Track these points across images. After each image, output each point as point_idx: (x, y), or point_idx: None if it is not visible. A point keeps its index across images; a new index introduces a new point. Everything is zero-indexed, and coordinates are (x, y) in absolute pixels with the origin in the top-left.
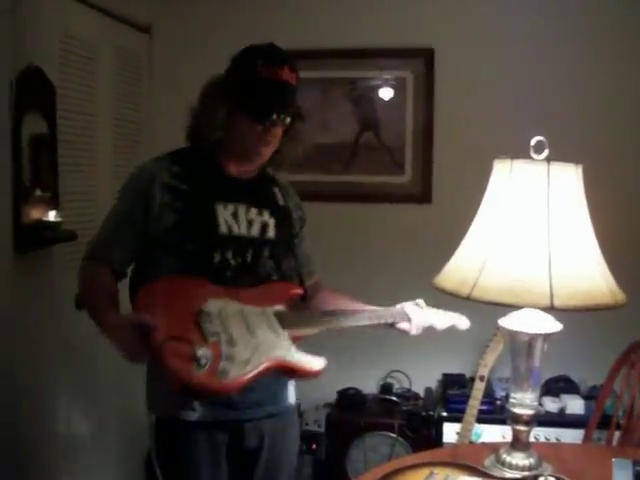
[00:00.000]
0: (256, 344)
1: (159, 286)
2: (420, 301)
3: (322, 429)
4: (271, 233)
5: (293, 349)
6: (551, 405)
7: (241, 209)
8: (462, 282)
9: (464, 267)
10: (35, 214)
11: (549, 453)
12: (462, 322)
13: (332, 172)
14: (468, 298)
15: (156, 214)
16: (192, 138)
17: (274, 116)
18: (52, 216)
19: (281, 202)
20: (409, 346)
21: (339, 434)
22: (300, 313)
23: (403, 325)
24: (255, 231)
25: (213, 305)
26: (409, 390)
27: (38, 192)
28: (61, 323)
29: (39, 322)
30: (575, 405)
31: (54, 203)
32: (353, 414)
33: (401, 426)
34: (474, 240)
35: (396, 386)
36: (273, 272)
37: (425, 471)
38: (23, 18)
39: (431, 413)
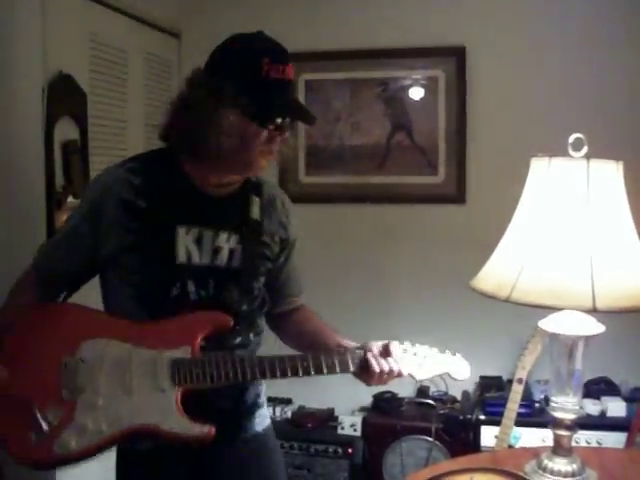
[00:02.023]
0: (123, 408)
1: (42, 315)
2: (406, 344)
3: (358, 433)
4: (237, 262)
5: (174, 414)
6: (592, 408)
7: (207, 234)
8: (501, 284)
9: (502, 268)
10: None
11: (592, 458)
12: (459, 371)
13: (364, 173)
14: (507, 300)
15: (105, 233)
16: (165, 140)
17: (282, 119)
18: None
19: (255, 216)
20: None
21: (375, 438)
22: (206, 360)
23: (361, 377)
24: (221, 260)
25: (91, 349)
26: (446, 393)
27: (70, 199)
28: None
29: None
30: (616, 407)
31: None
32: (389, 418)
33: (438, 430)
34: (512, 240)
35: (432, 389)
36: (243, 302)
37: (465, 477)
38: (53, 26)
39: (469, 416)
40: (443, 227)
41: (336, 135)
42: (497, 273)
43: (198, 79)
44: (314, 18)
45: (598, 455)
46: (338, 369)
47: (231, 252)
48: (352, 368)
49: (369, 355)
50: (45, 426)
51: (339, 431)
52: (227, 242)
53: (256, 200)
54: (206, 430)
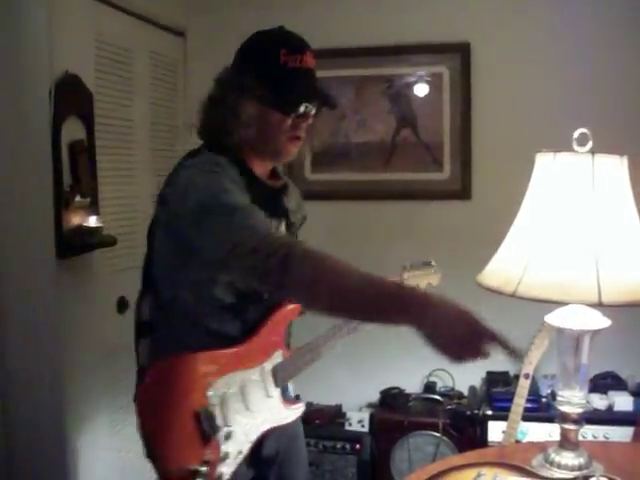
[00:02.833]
0: (250, 425)
1: (157, 384)
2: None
3: (366, 429)
4: None
5: (280, 409)
6: (598, 402)
7: (274, 224)
8: (507, 279)
9: (508, 264)
10: (75, 220)
11: (599, 452)
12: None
13: (370, 170)
14: (513, 295)
15: None
16: (215, 137)
17: (304, 106)
18: (92, 221)
19: (286, 205)
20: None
21: (383, 434)
22: (292, 359)
23: None
24: None
25: (215, 391)
26: (453, 389)
27: (78, 198)
28: (103, 326)
29: (81, 326)
30: (623, 402)
31: (94, 208)
32: (397, 414)
33: (445, 425)
34: (517, 236)
35: (439, 385)
36: None
37: (472, 472)
38: (58, 26)
39: (476, 412)
40: (449, 223)
41: (342, 132)
42: (503, 268)
43: (222, 77)
44: (319, 16)
45: (605, 449)
46: None
47: None
48: None
49: None
50: (204, 470)
51: (347, 427)
52: (277, 229)
53: (287, 190)
54: (301, 408)
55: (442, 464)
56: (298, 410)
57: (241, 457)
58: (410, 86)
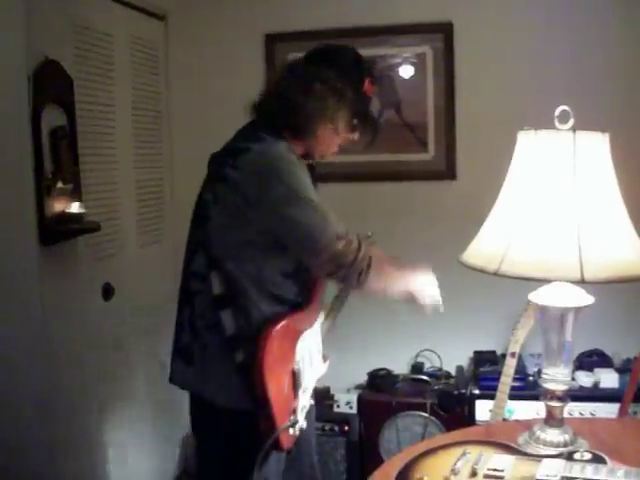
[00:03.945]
0: (311, 380)
1: (277, 338)
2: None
3: (354, 411)
4: None
5: (321, 364)
6: (585, 380)
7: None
8: (490, 258)
9: (491, 242)
10: (58, 206)
11: (584, 428)
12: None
13: (354, 152)
14: (496, 274)
15: None
16: (266, 115)
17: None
18: (75, 208)
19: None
20: (439, 325)
21: (371, 415)
22: (327, 319)
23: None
24: None
25: (300, 350)
26: (440, 369)
27: (60, 184)
28: (88, 313)
29: (66, 313)
30: (609, 379)
31: (76, 195)
32: (384, 395)
33: (433, 405)
34: (500, 214)
35: (427, 365)
36: None
37: (458, 450)
38: (35, 12)
39: (463, 391)
40: (434, 203)
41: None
42: (486, 247)
43: (320, 74)
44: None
45: (590, 425)
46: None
47: None
48: None
49: None
50: (294, 420)
51: (335, 409)
52: None
53: None
54: (328, 362)
55: (428, 443)
56: (327, 364)
57: (307, 409)
58: (393, 67)
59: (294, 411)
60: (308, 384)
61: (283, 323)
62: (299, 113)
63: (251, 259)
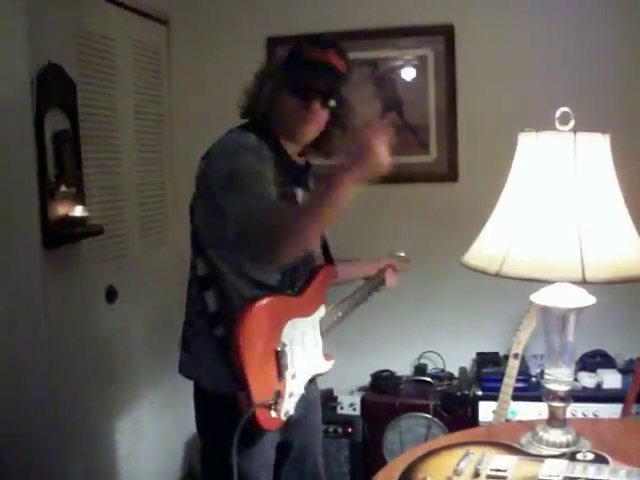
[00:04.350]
0: (306, 369)
1: (250, 322)
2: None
3: (357, 412)
4: None
5: (321, 358)
6: (588, 380)
7: (300, 193)
8: (491, 259)
9: (492, 244)
10: (61, 210)
11: (587, 429)
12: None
13: None
14: (498, 275)
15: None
16: (244, 115)
17: (314, 94)
18: (78, 211)
19: (309, 183)
20: (442, 326)
21: (374, 417)
22: (330, 314)
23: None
24: None
25: (287, 334)
26: (443, 370)
27: (63, 188)
28: (91, 316)
29: (70, 316)
30: (612, 380)
31: (80, 198)
32: (388, 396)
33: (436, 407)
34: (501, 216)
35: (430, 367)
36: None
37: (461, 451)
38: (38, 16)
39: (466, 393)
40: (436, 206)
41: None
42: (487, 248)
43: (263, 67)
44: (300, 2)
45: (593, 425)
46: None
47: None
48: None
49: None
50: (274, 403)
51: (338, 411)
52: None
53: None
54: (332, 361)
55: (431, 444)
56: (330, 363)
57: (299, 397)
58: (395, 69)
59: (279, 393)
60: (299, 372)
61: (263, 301)
62: (256, 105)
63: (229, 245)
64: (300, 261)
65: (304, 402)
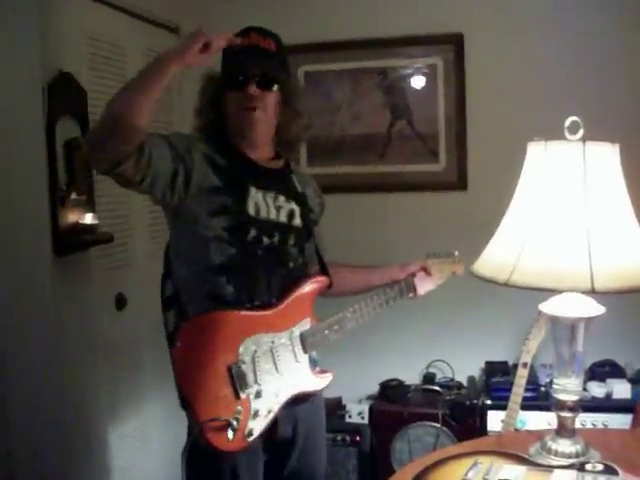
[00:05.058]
0: (279, 386)
1: (192, 337)
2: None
3: (366, 421)
4: (297, 220)
5: (308, 375)
6: (597, 390)
7: (269, 195)
8: (500, 268)
9: (501, 253)
10: (72, 217)
11: (596, 439)
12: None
13: (366, 163)
14: (506, 284)
15: (195, 169)
16: (200, 132)
17: (248, 78)
18: (89, 219)
19: (299, 189)
20: (450, 335)
21: (383, 426)
22: (320, 327)
23: (409, 295)
24: (283, 217)
25: (246, 349)
26: (452, 379)
27: (74, 195)
28: (100, 324)
29: (79, 323)
30: (622, 389)
31: (90, 206)
32: (396, 405)
33: (445, 416)
34: (510, 225)
35: (439, 376)
36: (298, 257)
37: (469, 460)
38: (50, 25)
39: (475, 402)
40: (445, 214)
41: (337, 125)
42: (496, 257)
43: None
44: (311, 10)
45: (603, 436)
46: (405, 294)
47: (291, 212)
48: (413, 289)
49: (417, 280)
50: (235, 424)
51: (347, 419)
52: (286, 203)
53: (293, 176)
54: (329, 377)
55: (440, 454)
56: (325, 379)
57: (271, 416)
58: (404, 78)
59: (239, 412)
60: (267, 390)
61: (202, 317)
62: (206, 115)
63: (184, 255)
64: (261, 272)
65: (288, 421)
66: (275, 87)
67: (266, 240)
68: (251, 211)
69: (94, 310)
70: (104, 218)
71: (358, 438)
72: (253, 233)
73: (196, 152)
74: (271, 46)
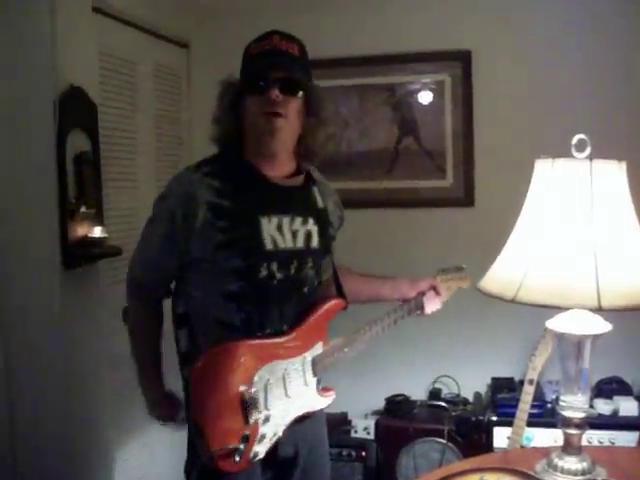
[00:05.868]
0: (287, 409)
1: (208, 367)
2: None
3: (371, 436)
4: (315, 242)
5: (314, 396)
6: (604, 407)
7: (285, 220)
8: (507, 285)
9: (508, 269)
10: (81, 230)
11: (603, 457)
12: (468, 283)
13: (373, 178)
14: (513, 301)
15: (200, 234)
16: (217, 142)
17: (267, 79)
18: (97, 232)
19: (320, 204)
20: (457, 351)
21: (388, 441)
22: (330, 351)
23: (417, 313)
24: (300, 242)
25: (261, 378)
26: (458, 395)
27: (83, 209)
28: (109, 337)
29: (87, 336)
30: (629, 407)
31: (99, 219)
32: (402, 421)
33: (451, 432)
34: (518, 242)
35: (445, 391)
36: (314, 279)
37: (475, 477)
38: (61, 40)
39: (481, 418)
40: (452, 230)
41: (344, 141)
42: (503, 274)
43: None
44: (320, 26)
45: (609, 453)
46: (414, 311)
47: (308, 234)
48: (421, 306)
49: (426, 298)
50: (242, 448)
51: (352, 435)
52: (302, 225)
53: (315, 189)
54: (332, 396)
55: (445, 470)
56: (329, 398)
57: (275, 438)
58: (412, 94)
59: (247, 438)
60: (275, 415)
61: (218, 348)
62: (224, 122)
63: (195, 281)
64: (273, 301)
65: (290, 440)
66: (300, 93)
67: (279, 275)
68: (268, 246)
69: (102, 322)
70: (113, 231)
71: (364, 453)
72: (264, 272)
73: (199, 209)
74: (295, 50)
